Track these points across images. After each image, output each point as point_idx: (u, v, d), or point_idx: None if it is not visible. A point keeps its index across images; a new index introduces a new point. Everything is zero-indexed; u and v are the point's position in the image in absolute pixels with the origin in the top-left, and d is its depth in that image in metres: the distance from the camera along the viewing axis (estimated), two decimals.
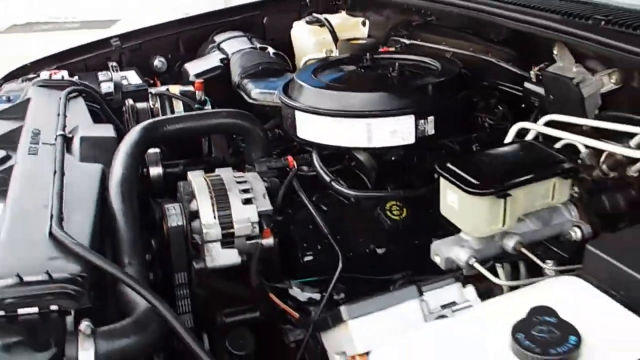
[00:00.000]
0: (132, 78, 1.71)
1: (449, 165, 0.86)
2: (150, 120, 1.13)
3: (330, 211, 1.09)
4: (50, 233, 0.78)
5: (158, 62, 1.85)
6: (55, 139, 1.08)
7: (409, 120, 1.09)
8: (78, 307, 0.67)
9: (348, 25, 1.83)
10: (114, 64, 1.75)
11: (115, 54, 1.86)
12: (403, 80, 1.18)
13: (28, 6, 7.80)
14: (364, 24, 1.80)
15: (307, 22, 1.81)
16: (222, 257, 0.92)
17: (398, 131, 1.10)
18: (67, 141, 1.09)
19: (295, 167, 1.12)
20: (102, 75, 1.65)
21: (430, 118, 1.10)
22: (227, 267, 0.93)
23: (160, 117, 1.25)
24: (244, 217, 0.93)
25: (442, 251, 0.85)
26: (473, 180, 0.79)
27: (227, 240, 0.93)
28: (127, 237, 0.85)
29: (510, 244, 0.83)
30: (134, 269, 0.82)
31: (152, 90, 1.39)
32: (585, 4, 1.16)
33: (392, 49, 1.66)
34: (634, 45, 0.93)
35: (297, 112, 1.15)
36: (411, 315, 0.70)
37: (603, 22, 1.05)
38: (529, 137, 1.01)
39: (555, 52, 1.13)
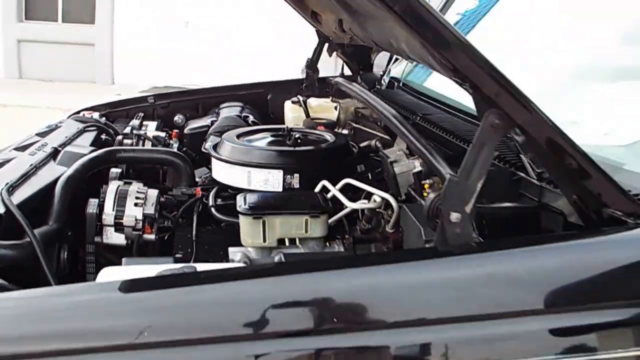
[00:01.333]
0: (151, 127, 2.30)
1: None
2: (111, 148, 1.67)
3: (210, 230, 1.54)
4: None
5: (178, 118, 2.43)
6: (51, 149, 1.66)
7: (278, 174, 1.54)
8: None
9: (324, 108, 2.31)
10: (141, 114, 2.36)
11: (150, 108, 2.49)
12: (289, 145, 1.62)
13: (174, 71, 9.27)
14: (336, 108, 2.28)
15: (292, 102, 2.32)
16: (113, 237, 1.40)
17: (270, 180, 1.54)
18: (56, 152, 1.66)
19: (199, 195, 1.59)
20: (130, 122, 2.26)
21: (296, 175, 1.53)
22: (115, 245, 1.41)
23: (118, 147, 1.79)
24: (132, 214, 1.41)
25: (236, 255, 1.27)
26: (245, 206, 1.22)
27: (118, 227, 1.41)
28: (53, 209, 1.37)
29: (275, 258, 1.23)
30: (47, 227, 1.31)
31: (135, 132, 1.95)
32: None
33: (345, 130, 2.13)
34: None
35: (212, 159, 1.64)
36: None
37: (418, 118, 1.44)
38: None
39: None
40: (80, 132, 1.88)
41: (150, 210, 1.42)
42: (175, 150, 1.75)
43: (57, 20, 10.73)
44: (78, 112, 2.17)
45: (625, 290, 0.83)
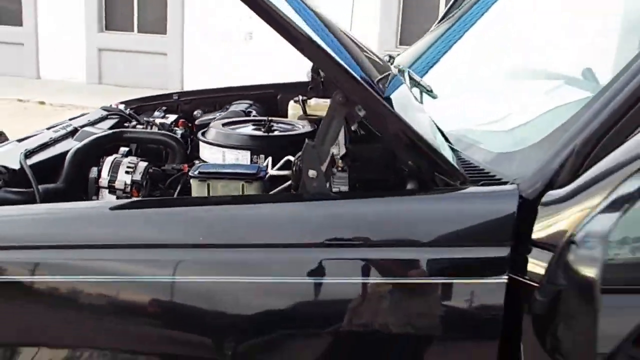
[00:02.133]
0: (171, 119, 2.66)
1: None
2: (119, 129, 2.04)
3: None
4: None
5: (197, 112, 2.78)
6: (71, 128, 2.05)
7: (246, 154, 1.84)
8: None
9: (321, 107, 2.59)
10: (164, 108, 2.73)
11: (174, 104, 2.86)
12: (263, 132, 1.92)
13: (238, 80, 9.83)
14: None
15: (294, 101, 2.63)
16: (106, 197, 1.75)
17: (239, 160, 1.85)
18: (75, 130, 2.03)
19: (185, 170, 1.92)
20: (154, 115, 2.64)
21: (262, 156, 1.83)
22: None
23: (125, 129, 2.14)
24: (122, 179, 1.75)
25: None
26: (195, 172, 1.53)
27: (111, 189, 1.75)
28: (62, 172, 1.73)
29: None
30: (53, 185, 1.67)
31: (145, 119, 2.31)
32: None
33: None
34: None
35: (199, 142, 1.97)
36: None
37: None
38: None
39: None
40: (102, 118, 2.27)
41: (138, 177, 1.76)
42: (174, 135, 2.09)
43: (133, 31, 11.61)
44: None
45: (428, 234, 1.07)
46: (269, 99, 2.83)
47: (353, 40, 1.53)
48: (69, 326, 1.12)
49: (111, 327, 1.11)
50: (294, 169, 1.30)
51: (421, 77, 1.86)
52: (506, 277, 1.00)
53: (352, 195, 1.21)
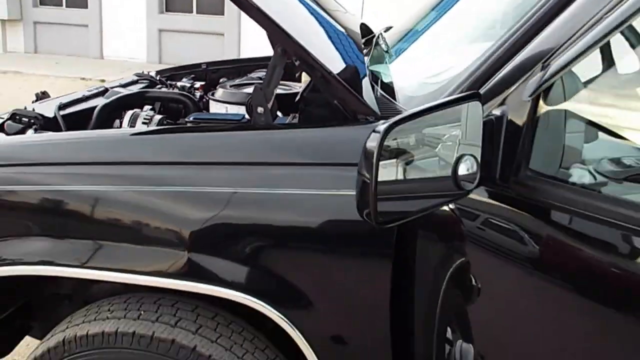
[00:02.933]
0: (197, 85, 2.99)
1: None
2: (141, 90, 2.37)
3: None
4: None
5: (222, 80, 3.11)
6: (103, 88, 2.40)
7: (235, 108, 2.13)
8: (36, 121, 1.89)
9: None
10: (193, 76, 3.06)
11: (202, 73, 3.19)
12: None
13: None
14: None
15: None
16: None
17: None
18: (106, 90, 2.39)
19: None
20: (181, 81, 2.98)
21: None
22: None
23: (148, 89, 2.47)
24: (141, 129, 2.08)
25: None
26: (190, 118, 1.84)
27: None
28: (90, 123, 2.07)
29: None
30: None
31: (168, 82, 2.64)
32: None
33: None
34: None
35: (210, 100, 2.28)
36: None
37: None
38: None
39: None
40: (133, 82, 2.62)
41: (153, 127, 2.09)
42: (189, 94, 2.41)
43: (192, 12, 12.13)
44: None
45: (340, 155, 1.30)
46: (289, 68, 3.11)
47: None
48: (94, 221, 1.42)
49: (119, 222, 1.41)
50: (248, 107, 1.58)
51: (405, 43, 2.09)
52: None
53: (289, 126, 1.50)
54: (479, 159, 0.99)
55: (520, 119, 1.07)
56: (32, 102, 2.20)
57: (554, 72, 1.03)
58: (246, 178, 1.32)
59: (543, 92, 1.07)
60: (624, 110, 1.43)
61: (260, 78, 2.80)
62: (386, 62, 1.82)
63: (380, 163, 0.90)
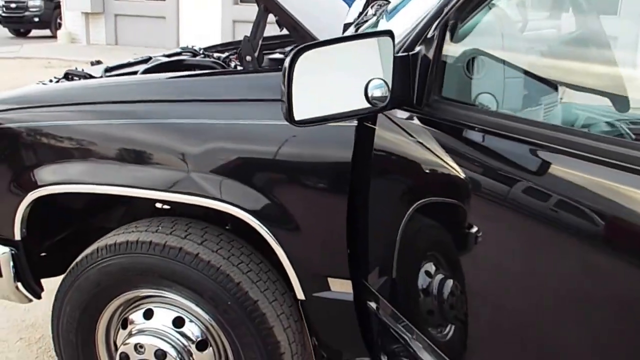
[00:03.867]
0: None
1: None
2: (180, 57, 2.76)
3: None
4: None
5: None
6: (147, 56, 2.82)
7: None
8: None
9: None
10: (235, 50, 3.43)
11: None
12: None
13: None
14: None
15: None
16: None
17: None
18: (150, 58, 2.79)
19: None
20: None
21: None
22: None
23: (186, 58, 2.85)
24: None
25: None
26: None
27: None
28: None
29: None
30: None
31: (205, 52, 3.02)
32: None
33: None
34: None
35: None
36: None
37: None
38: None
39: None
40: (177, 53, 3.02)
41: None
42: (221, 62, 2.78)
43: None
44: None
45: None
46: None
47: None
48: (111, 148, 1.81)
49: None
50: (239, 56, 1.93)
51: None
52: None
53: (269, 69, 1.85)
54: (390, 84, 1.27)
55: (430, 55, 1.35)
56: (89, 67, 2.64)
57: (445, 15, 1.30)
58: (225, 112, 1.67)
59: (450, 32, 1.33)
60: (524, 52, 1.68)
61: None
62: (372, 26, 2.11)
63: (298, 78, 1.21)
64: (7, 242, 2.00)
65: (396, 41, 1.34)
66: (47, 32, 15.83)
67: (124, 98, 1.84)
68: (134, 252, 1.80)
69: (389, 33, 1.27)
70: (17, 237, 1.96)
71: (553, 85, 1.54)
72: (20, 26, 16.09)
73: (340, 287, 1.64)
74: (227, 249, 1.80)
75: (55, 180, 1.85)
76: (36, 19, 15.58)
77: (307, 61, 1.22)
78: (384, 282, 1.60)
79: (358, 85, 1.25)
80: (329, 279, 1.64)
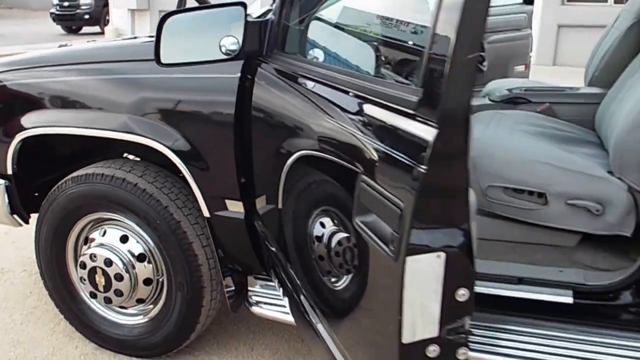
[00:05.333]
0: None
1: None
2: None
3: None
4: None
5: None
6: None
7: None
8: None
9: None
10: None
11: None
12: None
13: None
14: None
15: None
16: None
17: None
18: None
19: None
20: None
21: None
22: None
23: None
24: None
25: None
26: None
27: None
28: None
29: None
30: None
31: None
32: None
33: None
34: None
35: None
36: None
37: None
38: None
39: None
40: None
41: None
42: None
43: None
44: None
45: None
46: None
47: None
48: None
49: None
50: None
51: None
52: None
53: None
54: (241, 40, 1.83)
55: (276, 21, 1.91)
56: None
57: None
58: (148, 68, 2.24)
59: (289, 4, 1.89)
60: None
61: None
62: None
63: (166, 34, 1.78)
64: (3, 176, 2.64)
65: (260, 12, 1.91)
66: (96, 28, 16.98)
67: (77, 60, 2.46)
68: (91, 182, 2.40)
69: (242, 4, 1.83)
70: (9, 171, 2.60)
71: (367, 44, 2.02)
72: (72, 23, 17.29)
73: (235, 208, 2.19)
74: (160, 182, 2.38)
75: (33, 125, 2.48)
76: (87, 16, 16.74)
77: (175, 22, 1.79)
78: (264, 207, 2.15)
79: (216, 41, 1.81)
80: (226, 201, 2.19)
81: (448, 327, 1.22)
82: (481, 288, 2.02)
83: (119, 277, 2.41)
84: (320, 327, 1.71)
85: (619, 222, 2.10)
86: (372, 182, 1.32)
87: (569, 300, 1.91)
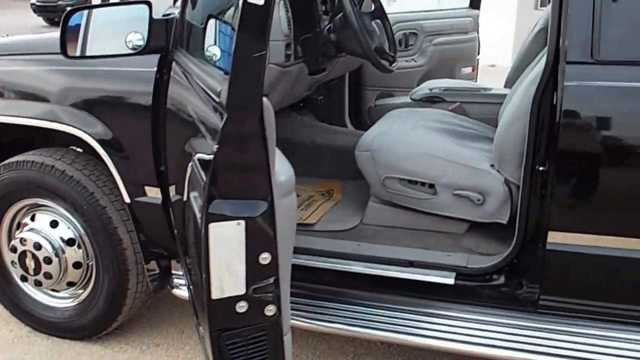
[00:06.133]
0: None
1: None
2: None
3: None
4: None
5: None
6: None
7: None
8: None
9: None
10: None
11: None
12: None
13: None
14: None
15: None
16: None
17: None
18: None
19: None
20: None
21: None
22: None
23: None
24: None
25: None
26: None
27: None
28: None
29: None
30: None
31: None
32: None
33: None
34: None
35: None
36: None
37: None
38: None
39: None
40: None
41: None
42: None
43: None
44: None
45: None
46: None
47: None
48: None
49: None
50: None
51: None
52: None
53: None
54: (147, 36, 1.97)
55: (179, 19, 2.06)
56: None
57: None
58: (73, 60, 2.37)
59: (191, 4, 2.05)
60: None
61: None
62: None
63: (70, 30, 1.93)
64: None
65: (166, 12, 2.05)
66: None
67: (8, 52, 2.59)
68: (21, 168, 2.54)
69: (147, 2, 1.98)
70: None
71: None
72: (55, 15, 17.34)
73: (153, 194, 2.33)
74: (89, 169, 2.52)
75: None
76: (69, 8, 16.77)
77: (81, 17, 1.94)
78: (174, 196, 2.29)
79: (122, 36, 1.96)
80: (145, 187, 2.34)
81: (254, 287, 1.39)
82: (377, 270, 2.18)
83: (48, 260, 2.54)
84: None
85: (496, 211, 2.28)
86: (196, 162, 1.55)
87: (451, 281, 2.08)
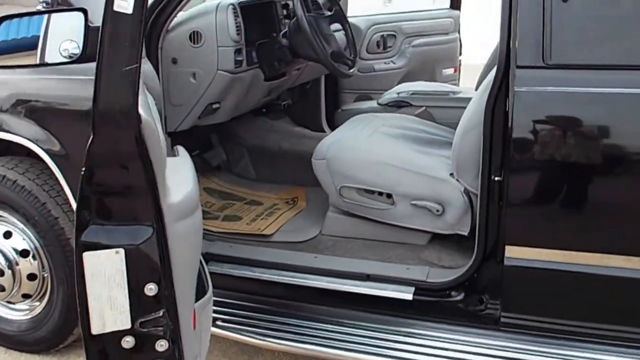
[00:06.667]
0: None
1: None
2: None
3: None
4: None
5: None
6: None
7: None
8: None
9: None
10: None
11: None
12: None
13: None
14: None
15: None
16: None
17: None
18: None
19: None
20: None
21: None
22: None
23: None
24: None
25: None
26: None
27: None
28: None
29: None
30: None
31: None
32: None
33: None
34: None
35: None
36: None
37: None
38: None
39: None
40: None
41: None
42: None
43: None
44: None
45: None
46: None
47: None
48: None
49: None
50: None
51: None
52: None
53: None
54: (82, 43, 1.90)
55: None
56: None
57: None
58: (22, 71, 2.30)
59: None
60: None
61: None
62: None
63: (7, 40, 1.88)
64: None
65: None
66: None
67: None
68: None
69: (83, 10, 1.91)
70: None
71: None
72: None
73: None
74: (43, 179, 2.46)
75: None
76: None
77: (11, 26, 1.88)
78: None
79: (55, 44, 1.90)
80: None
81: (142, 320, 1.30)
82: (332, 284, 2.10)
83: (0, 273, 2.49)
84: None
85: (457, 221, 2.18)
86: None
87: (409, 297, 1.99)
